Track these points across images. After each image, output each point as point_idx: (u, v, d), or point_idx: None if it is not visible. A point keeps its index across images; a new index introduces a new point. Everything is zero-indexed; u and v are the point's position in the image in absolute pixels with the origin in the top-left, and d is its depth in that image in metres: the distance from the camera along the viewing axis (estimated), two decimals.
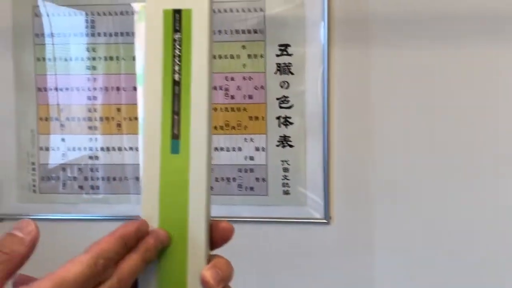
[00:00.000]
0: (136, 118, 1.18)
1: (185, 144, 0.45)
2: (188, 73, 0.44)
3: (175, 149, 0.45)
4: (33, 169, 1.22)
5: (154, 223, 0.45)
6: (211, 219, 0.47)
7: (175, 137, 0.45)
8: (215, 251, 0.46)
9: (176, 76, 0.45)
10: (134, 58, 1.17)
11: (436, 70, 1.13)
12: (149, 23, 0.45)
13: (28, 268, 1.19)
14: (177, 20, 0.45)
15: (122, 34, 1.17)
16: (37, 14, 1.19)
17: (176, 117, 0.45)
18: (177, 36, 0.45)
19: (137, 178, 1.20)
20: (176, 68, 0.45)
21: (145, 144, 0.45)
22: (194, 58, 0.44)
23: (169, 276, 0.44)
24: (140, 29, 0.53)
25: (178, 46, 0.45)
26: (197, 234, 0.45)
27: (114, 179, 1.20)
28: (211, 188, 1.15)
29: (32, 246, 0.42)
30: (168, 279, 0.45)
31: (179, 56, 0.45)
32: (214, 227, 0.47)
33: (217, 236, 0.47)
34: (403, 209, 1.16)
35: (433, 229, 1.16)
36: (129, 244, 0.43)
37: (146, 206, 0.46)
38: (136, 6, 0.52)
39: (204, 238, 0.45)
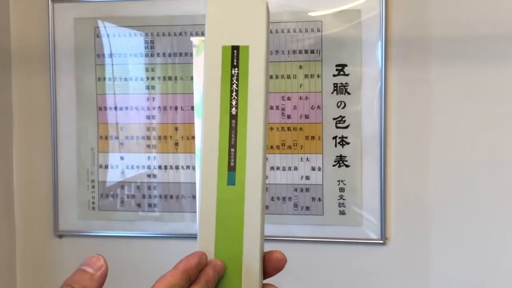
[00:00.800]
0: (193, 137, 1.21)
1: (240, 176, 0.46)
2: (244, 108, 0.46)
3: (231, 181, 0.46)
4: (93, 187, 1.26)
5: (210, 253, 0.47)
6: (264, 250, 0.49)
7: (232, 169, 0.46)
8: (269, 280, 0.48)
9: (233, 110, 0.46)
10: (191, 78, 1.21)
11: (495, 91, 1.13)
12: (208, 58, 0.47)
13: None
14: (235, 56, 0.47)
15: (180, 54, 1.22)
16: (98, 35, 1.24)
17: (232, 150, 0.46)
18: (234, 71, 0.47)
19: (193, 197, 1.22)
20: (233, 102, 0.47)
21: (203, 176, 0.47)
22: (251, 93, 0.46)
23: None
24: (198, 62, 0.52)
25: (235, 81, 0.47)
26: (252, 264, 0.46)
27: (171, 197, 1.23)
28: (266, 207, 1.15)
29: (102, 281, 0.44)
30: None
31: (236, 91, 0.47)
32: (267, 257, 0.48)
33: (270, 266, 0.48)
34: (460, 233, 1.16)
35: (490, 255, 1.15)
36: (192, 277, 0.45)
37: (202, 237, 0.47)
38: (195, 40, 0.53)
39: (259, 269, 0.46)
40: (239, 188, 0.46)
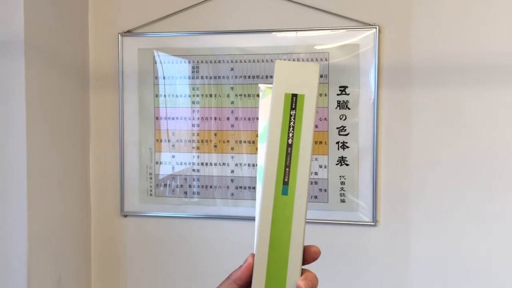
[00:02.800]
0: (228, 141, 1.53)
1: (292, 189, 0.57)
2: (298, 139, 0.57)
3: (285, 192, 0.57)
4: (150, 178, 1.59)
5: (266, 244, 0.58)
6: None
7: (285, 183, 0.57)
8: (306, 267, 0.59)
9: (290, 140, 0.57)
10: (227, 96, 1.52)
11: (464, 109, 1.40)
12: (274, 102, 0.58)
13: (146, 259, 1.57)
14: (294, 101, 0.58)
15: (217, 77, 1.52)
16: (155, 62, 1.56)
17: (287, 169, 0.57)
18: (292, 112, 0.58)
19: (227, 187, 1.54)
20: (290, 135, 0.57)
21: (264, 187, 0.57)
22: (303, 129, 0.57)
23: (274, 285, 0.58)
24: (263, 104, 0.63)
25: (292, 119, 0.58)
26: (295, 254, 0.57)
27: (208, 187, 1.56)
28: None
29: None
30: (273, 286, 0.58)
31: (293, 127, 0.57)
32: (307, 249, 0.58)
33: (308, 256, 0.58)
34: (437, 218, 1.44)
35: (464, 235, 1.43)
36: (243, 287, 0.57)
37: (261, 233, 0.57)
38: (262, 87, 0.63)
39: (300, 257, 0.57)
40: (290, 197, 0.57)
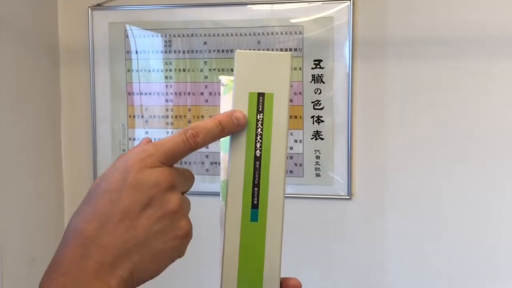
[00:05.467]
0: (202, 116, 1.52)
1: (263, 213, 0.48)
2: (268, 150, 0.48)
3: (254, 217, 0.48)
4: None
5: (233, 282, 0.49)
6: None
7: (255, 206, 0.48)
8: None
9: (257, 152, 0.48)
10: (200, 70, 1.51)
11: (440, 81, 1.42)
12: (236, 103, 0.49)
13: None
14: (260, 103, 0.49)
15: (191, 51, 1.51)
16: (127, 36, 1.54)
17: (256, 189, 0.48)
18: (260, 116, 0.48)
19: (202, 163, 1.54)
20: (258, 145, 0.48)
21: (228, 212, 0.49)
22: (274, 137, 0.48)
23: None
24: (225, 101, 0.52)
25: (260, 126, 0.48)
26: None
27: (182, 163, 1.54)
28: None
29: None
30: None
31: (261, 134, 0.48)
32: (285, 284, 0.50)
33: None
34: (410, 191, 1.46)
35: (437, 205, 1.45)
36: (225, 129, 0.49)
37: (227, 266, 0.49)
38: (224, 79, 0.53)
39: None
40: (261, 225, 0.48)
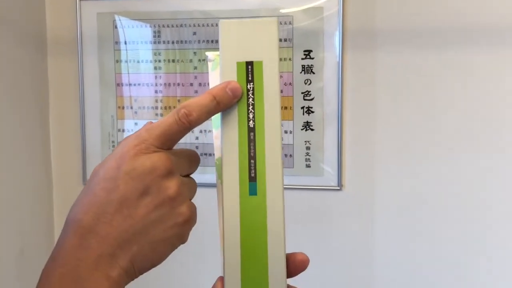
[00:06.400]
0: None
1: (261, 186, 0.46)
2: (261, 120, 0.46)
3: (253, 191, 0.46)
4: (113, 146, 1.56)
5: (236, 261, 0.46)
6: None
7: (252, 180, 0.46)
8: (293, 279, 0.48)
9: (251, 123, 0.47)
10: (189, 61, 1.50)
11: (431, 72, 1.41)
12: (224, 74, 0.48)
13: None
14: (249, 72, 0.47)
15: (181, 42, 1.50)
16: (115, 27, 1.52)
17: (252, 161, 0.46)
18: (250, 86, 0.47)
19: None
20: (251, 116, 0.47)
21: (225, 187, 0.47)
22: (266, 106, 0.46)
23: None
24: (214, 76, 0.50)
25: (251, 95, 0.47)
26: (277, 269, 0.46)
27: None
28: None
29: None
30: None
31: (253, 104, 0.47)
32: (291, 259, 0.47)
33: (293, 268, 0.47)
34: (399, 182, 1.46)
35: (427, 195, 1.46)
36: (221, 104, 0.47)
37: (228, 245, 0.46)
38: (210, 55, 0.52)
39: (284, 272, 0.46)
40: (261, 198, 0.46)
